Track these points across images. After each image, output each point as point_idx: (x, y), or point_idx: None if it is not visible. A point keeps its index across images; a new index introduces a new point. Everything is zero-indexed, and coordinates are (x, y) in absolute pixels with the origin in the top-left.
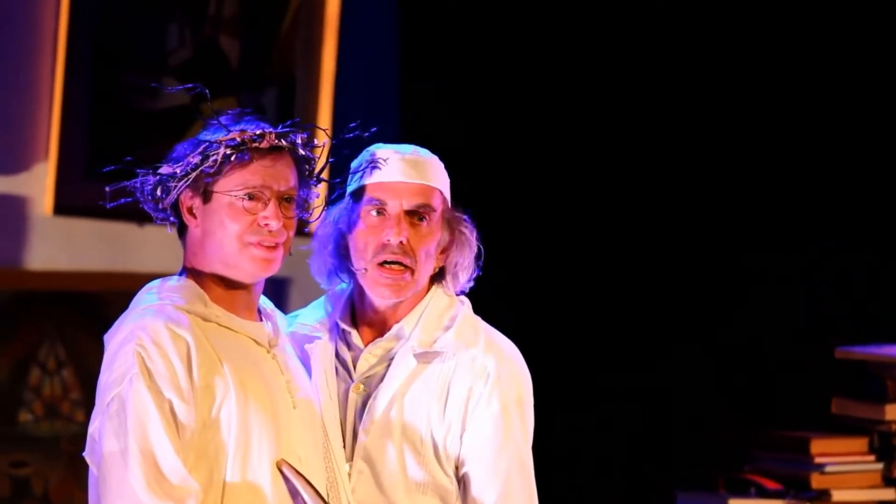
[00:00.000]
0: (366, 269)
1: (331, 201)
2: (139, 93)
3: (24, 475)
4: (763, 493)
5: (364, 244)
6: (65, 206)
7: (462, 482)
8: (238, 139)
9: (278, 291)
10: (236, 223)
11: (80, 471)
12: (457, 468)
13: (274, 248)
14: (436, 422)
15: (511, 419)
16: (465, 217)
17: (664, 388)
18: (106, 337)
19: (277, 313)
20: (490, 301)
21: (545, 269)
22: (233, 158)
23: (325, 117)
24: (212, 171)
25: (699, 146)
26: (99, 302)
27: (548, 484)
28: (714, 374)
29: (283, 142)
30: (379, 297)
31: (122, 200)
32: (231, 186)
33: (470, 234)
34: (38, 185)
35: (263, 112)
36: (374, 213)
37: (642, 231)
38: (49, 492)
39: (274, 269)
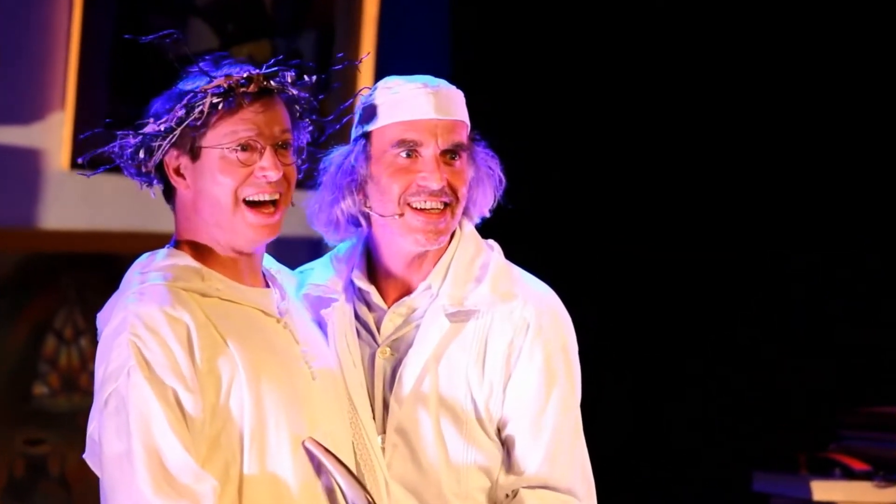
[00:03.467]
0: (399, 215)
1: (321, 143)
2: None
3: (40, 454)
4: (849, 473)
5: (391, 188)
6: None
7: (505, 443)
8: (224, 86)
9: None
10: (230, 177)
11: None
12: (499, 430)
13: (273, 212)
14: (475, 384)
15: (556, 370)
16: (486, 148)
17: (743, 361)
18: (98, 319)
19: (283, 273)
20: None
21: (623, 244)
22: (220, 107)
23: (367, 64)
24: (198, 123)
25: (763, 145)
26: (120, 264)
27: (623, 462)
28: (797, 348)
29: (272, 83)
30: (414, 244)
31: (102, 169)
32: (221, 138)
33: (494, 167)
34: (54, 136)
35: (300, 58)
36: (403, 154)
37: (719, 213)
38: (67, 472)
39: (274, 234)
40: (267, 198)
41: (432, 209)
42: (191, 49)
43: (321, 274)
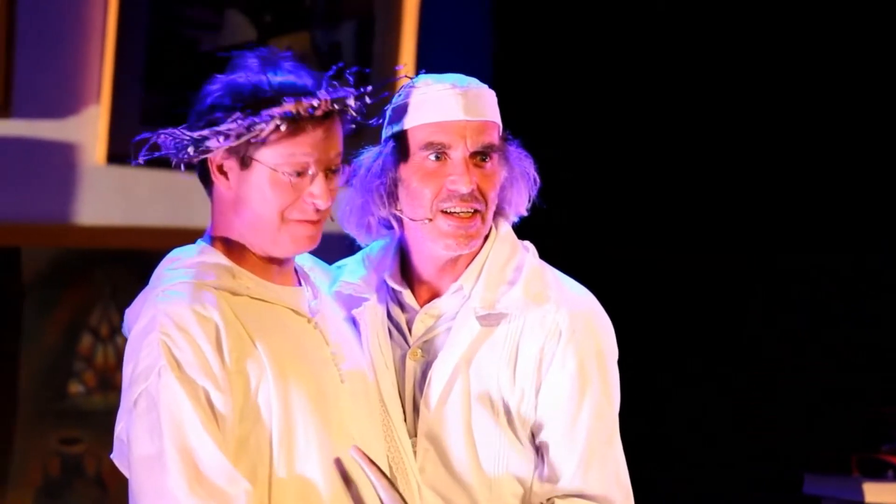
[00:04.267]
0: (429, 220)
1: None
2: (201, 28)
3: (76, 453)
4: None
5: (422, 192)
6: (119, 154)
7: (539, 450)
8: (293, 111)
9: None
10: (279, 198)
11: None
12: (533, 436)
13: (317, 222)
14: (507, 389)
15: (589, 376)
16: (518, 147)
17: (791, 361)
18: (127, 316)
19: (318, 269)
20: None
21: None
22: (282, 128)
23: (407, 57)
24: (256, 140)
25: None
26: (157, 261)
27: (670, 463)
28: (847, 345)
29: (336, 105)
30: (445, 248)
31: (143, 158)
32: (277, 158)
33: (528, 166)
34: (90, 131)
35: (338, 51)
36: (432, 157)
37: (733, 214)
38: (103, 472)
39: (315, 244)
40: (311, 218)
41: (463, 213)
42: (227, 42)
43: (353, 273)
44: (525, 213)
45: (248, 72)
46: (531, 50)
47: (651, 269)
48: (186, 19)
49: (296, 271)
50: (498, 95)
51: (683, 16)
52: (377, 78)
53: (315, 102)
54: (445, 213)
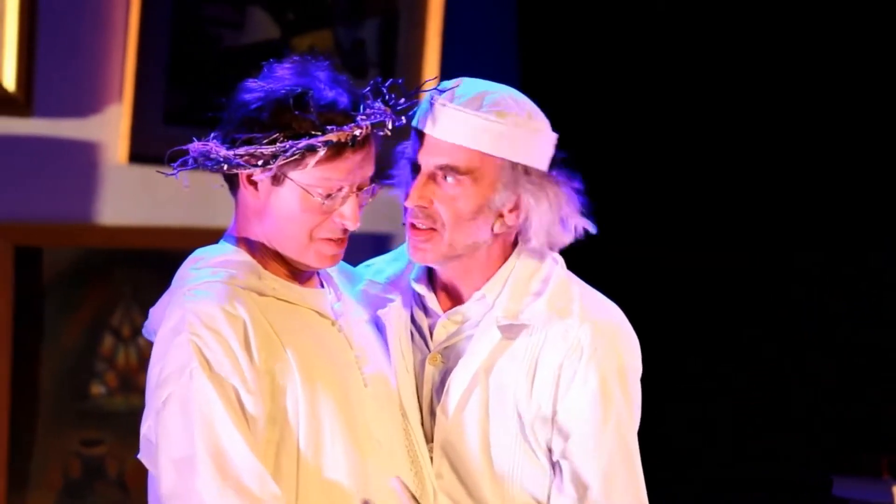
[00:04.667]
0: (403, 224)
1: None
2: (223, 26)
3: (98, 455)
4: None
5: (401, 198)
6: (142, 153)
7: (559, 465)
8: (335, 140)
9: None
10: (309, 220)
11: None
12: (550, 451)
13: (343, 240)
14: (523, 401)
15: (611, 395)
16: (540, 171)
17: (820, 361)
18: (151, 316)
19: (340, 271)
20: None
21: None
22: (321, 154)
23: (432, 56)
24: (292, 159)
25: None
26: (179, 261)
27: (696, 466)
28: (878, 344)
29: (375, 129)
30: (412, 258)
31: (177, 169)
32: (311, 180)
33: (549, 190)
34: (112, 130)
35: (362, 48)
36: (408, 167)
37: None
38: (125, 474)
39: (339, 261)
40: (338, 237)
41: (418, 225)
42: (250, 40)
43: (384, 271)
44: (570, 238)
45: (284, 83)
46: (556, 47)
47: (652, 268)
48: (209, 17)
49: (318, 273)
50: (523, 92)
51: (689, 14)
52: (401, 75)
53: (357, 132)
54: (407, 225)
